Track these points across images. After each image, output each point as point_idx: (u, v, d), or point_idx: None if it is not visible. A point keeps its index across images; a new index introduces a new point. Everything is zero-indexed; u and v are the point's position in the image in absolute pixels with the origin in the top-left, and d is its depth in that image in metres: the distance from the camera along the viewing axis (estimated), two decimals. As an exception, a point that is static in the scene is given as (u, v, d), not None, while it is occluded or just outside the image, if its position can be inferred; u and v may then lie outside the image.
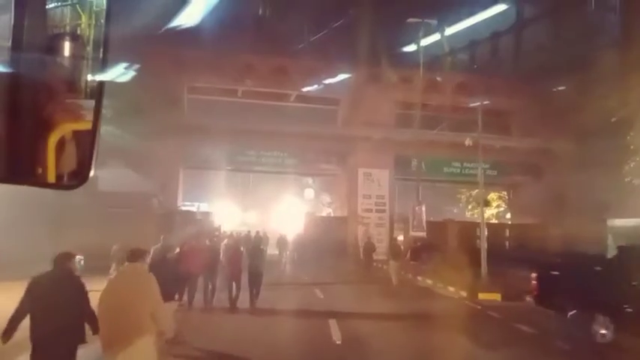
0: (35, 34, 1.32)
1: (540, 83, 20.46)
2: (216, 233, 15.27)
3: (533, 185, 22.49)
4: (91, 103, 1.38)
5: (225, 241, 11.66)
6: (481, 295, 12.22)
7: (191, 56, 19.40)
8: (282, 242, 21.06)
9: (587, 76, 16.95)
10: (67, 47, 1.40)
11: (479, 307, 11.18)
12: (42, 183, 1.35)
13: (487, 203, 32.11)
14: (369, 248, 17.16)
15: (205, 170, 25.50)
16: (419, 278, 15.19)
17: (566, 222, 17.14)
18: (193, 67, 19.78)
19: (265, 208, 33.34)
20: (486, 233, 20.75)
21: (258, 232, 20.47)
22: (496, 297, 12.19)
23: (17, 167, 1.30)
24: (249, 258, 9.95)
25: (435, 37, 17.96)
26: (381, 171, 21.65)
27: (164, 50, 18.04)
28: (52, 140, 1.31)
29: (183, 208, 20.13)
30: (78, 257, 10.62)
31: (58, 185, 1.41)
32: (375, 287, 13.39)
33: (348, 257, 19.61)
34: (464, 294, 12.61)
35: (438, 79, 21.91)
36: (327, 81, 20.88)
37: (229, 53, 19.84)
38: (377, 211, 21.49)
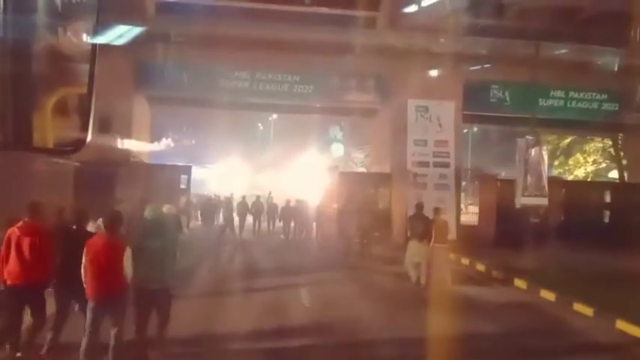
0: None
1: None
2: (183, 198, 12.37)
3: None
4: (85, 67, 1.72)
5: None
6: None
7: None
8: (287, 213, 19.21)
9: None
10: (59, 10, 1.74)
11: None
12: (40, 149, 1.77)
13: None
14: (365, 223, 14.25)
15: (201, 110, 24.22)
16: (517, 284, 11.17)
17: None
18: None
19: (281, 168, 34.95)
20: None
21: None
22: None
23: (14, 134, 1.64)
24: (143, 255, 5.63)
25: None
26: (442, 104, 18.71)
27: None
28: (48, 105, 1.69)
29: (134, 160, 17.16)
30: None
31: (55, 151, 1.89)
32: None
33: (389, 239, 16.96)
34: None
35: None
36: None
37: None
38: (436, 164, 18.54)
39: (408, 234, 11.50)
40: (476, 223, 19.40)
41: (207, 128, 34.81)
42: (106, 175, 14.80)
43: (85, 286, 5.35)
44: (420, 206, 11.45)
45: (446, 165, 18.57)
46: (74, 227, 6.14)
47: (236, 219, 18.80)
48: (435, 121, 18.68)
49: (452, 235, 17.58)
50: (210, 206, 19.19)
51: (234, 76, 18.62)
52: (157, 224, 6.00)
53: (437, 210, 11.01)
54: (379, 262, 13.38)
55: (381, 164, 20.70)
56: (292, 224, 19.17)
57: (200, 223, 18.99)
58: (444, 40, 18.07)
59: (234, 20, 18.08)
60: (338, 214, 17.11)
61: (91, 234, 5.87)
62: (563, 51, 18.71)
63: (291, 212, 19.18)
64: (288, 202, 19.68)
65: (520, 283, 10.83)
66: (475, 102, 19.09)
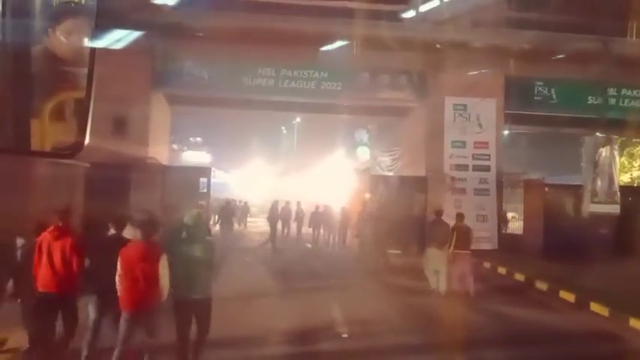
0: (27, 1, 1.69)
1: None
2: (203, 202, 11.55)
3: None
4: (84, 70, 1.72)
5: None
6: None
7: None
8: (316, 219, 18.37)
9: None
10: (59, 14, 1.77)
11: None
12: (38, 153, 1.89)
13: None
14: (375, 225, 13.70)
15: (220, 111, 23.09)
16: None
17: None
18: None
19: (306, 172, 34.55)
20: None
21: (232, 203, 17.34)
22: None
23: (12, 137, 1.67)
24: (177, 262, 5.35)
25: None
26: (483, 102, 17.52)
27: None
28: (46, 109, 1.73)
29: (150, 161, 16.09)
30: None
31: (53, 154, 2.03)
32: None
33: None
34: None
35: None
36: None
37: None
38: (476, 168, 17.34)
39: (428, 241, 11.14)
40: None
41: (229, 130, 34.15)
42: (121, 177, 13.93)
43: (119, 296, 5.20)
44: (439, 213, 11.12)
45: (486, 168, 17.37)
46: (111, 233, 5.92)
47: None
48: (475, 121, 17.49)
49: (493, 244, 16.40)
50: (228, 210, 18.19)
51: (258, 74, 17.53)
52: (197, 231, 5.70)
53: (459, 215, 10.82)
54: (412, 272, 11.96)
55: (414, 167, 19.33)
56: (321, 230, 18.29)
57: (218, 227, 17.96)
58: (484, 32, 16.95)
59: (258, 14, 17.16)
60: (369, 220, 15.82)
61: (127, 241, 5.61)
62: (614, 45, 17.13)
63: (320, 218, 18.27)
64: (317, 207, 18.78)
65: (598, 307, 9.05)
66: (518, 100, 17.80)
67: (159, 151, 18.42)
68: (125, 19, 14.54)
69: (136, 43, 15.42)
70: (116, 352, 5.19)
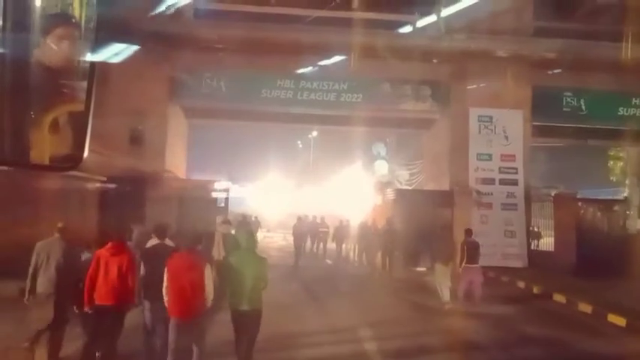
0: (26, 14, 1.70)
1: None
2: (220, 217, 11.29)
3: None
4: (84, 84, 1.73)
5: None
6: None
7: None
8: (340, 235, 18.02)
9: None
10: (58, 27, 1.78)
11: None
12: (36, 166, 1.80)
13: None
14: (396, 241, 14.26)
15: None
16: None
17: None
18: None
19: (325, 187, 34.26)
20: None
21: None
22: None
23: (10, 150, 1.65)
24: (233, 275, 5.81)
25: None
26: (509, 113, 16.91)
27: None
28: (45, 122, 1.71)
29: (168, 175, 15.67)
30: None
31: (53, 168, 1.92)
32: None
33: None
34: None
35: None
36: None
37: None
38: (503, 182, 16.70)
39: (434, 256, 11.34)
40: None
41: (245, 144, 33.79)
42: (137, 191, 13.56)
43: (166, 304, 5.43)
44: (445, 228, 11.95)
45: (514, 182, 16.72)
46: (156, 243, 6.30)
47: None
48: (501, 133, 16.87)
49: (523, 262, 15.68)
50: (244, 224, 17.70)
51: (277, 85, 17.12)
52: (252, 247, 6.20)
53: (467, 231, 11.04)
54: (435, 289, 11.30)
55: (436, 181, 18.84)
56: (343, 246, 17.82)
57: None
58: (510, 42, 16.38)
59: (276, 25, 16.83)
60: (390, 235, 15.16)
61: (172, 249, 5.98)
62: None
63: (344, 233, 17.78)
64: (340, 222, 18.28)
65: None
66: (546, 111, 17.15)
67: (176, 165, 18.09)
68: (139, 30, 14.36)
69: (152, 55, 15.28)
70: (169, 357, 5.43)
